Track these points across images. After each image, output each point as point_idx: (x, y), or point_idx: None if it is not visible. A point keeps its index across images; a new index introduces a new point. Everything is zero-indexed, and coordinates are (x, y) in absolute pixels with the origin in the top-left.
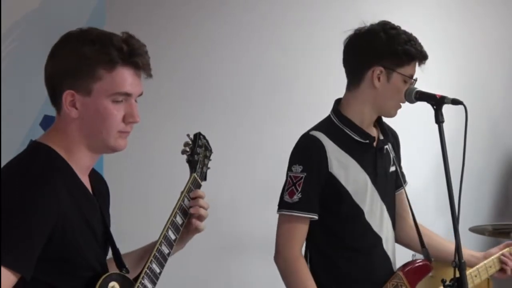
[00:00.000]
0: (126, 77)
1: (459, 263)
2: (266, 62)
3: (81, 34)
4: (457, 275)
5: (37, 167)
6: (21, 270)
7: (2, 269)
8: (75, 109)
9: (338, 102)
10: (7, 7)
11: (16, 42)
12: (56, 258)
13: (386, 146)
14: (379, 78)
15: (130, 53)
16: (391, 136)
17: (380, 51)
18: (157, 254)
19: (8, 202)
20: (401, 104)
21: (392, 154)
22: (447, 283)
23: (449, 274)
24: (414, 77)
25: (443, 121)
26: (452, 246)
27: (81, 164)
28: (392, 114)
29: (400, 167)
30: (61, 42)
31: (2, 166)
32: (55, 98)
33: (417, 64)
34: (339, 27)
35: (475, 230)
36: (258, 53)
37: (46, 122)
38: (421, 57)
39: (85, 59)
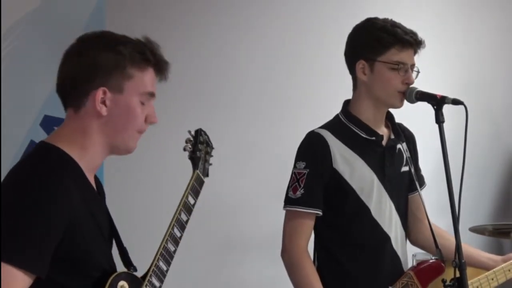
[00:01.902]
0: (153, 78)
1: (459, 263)
2: (273, 62)
3: (106, 35)
4: (457, 275)
5: (50, 169)
6: (37, 272)
7: (18, 271)
8: (105, 107)
9: (347, 103)
10: (8, 6)
11: (16, 42)
12: (67, 258)
13: (399, 146)
14: (364, 71)
15: (159, 56)
16: (407, 137)
17: (358, 45)
18: (163, 252)
19: (22, 204)
20: (401, 91)
21: (406, 155)
22: (448, 283)
23: (451, 274)
24: (405, 63)
25: (443, 121)
26: (467, 248)
27: (91, 163)
28: (395, 105)
29: (418, 169)
30: (84, 42)
31: (2, 166)
32: (75, 97)
33: (405, 49)
34: (350, 25)
35: (475, 230)
36: (263, 52)
37: (47, 122)
38: (399, 41)
39: (121, 57)
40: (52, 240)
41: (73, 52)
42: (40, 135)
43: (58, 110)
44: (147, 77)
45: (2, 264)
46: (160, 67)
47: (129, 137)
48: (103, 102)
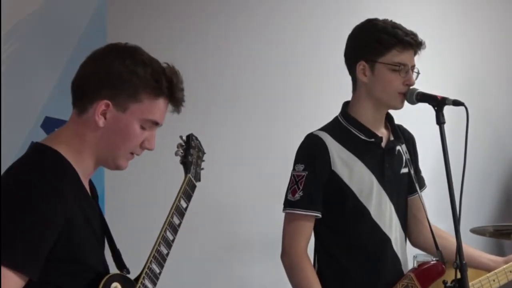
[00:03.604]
0: (162, 108)
1: (460, 264)
2: (272, 61)
3: (133, 51)
4: (458, 276)
5: (47, 171)
6: (30, 274)
7: (10, 273)
8: (104, 119)
9: (346, 104)
10: (8, 8)
11: (17, 43)
12: (61, 259)
13: (398, 148)
14: (364, 73)
15: (176, 89)
16: (406, 139)
17: (358, 46)
18: (156, 254)
19: (18, 206)
20: (402, 92)
21: (405, 156)
22: (448, 284)
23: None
24: (406, 64)
25: (444, 122)
26: (468, 249)
27: (86, 169)
28: (395, 106)
29: (418, 171)
30: (109, 51)
31: (2, 167)
32: (83, 99)
33: (406, 50)
34: (350, 26)
35: (476, 231)
36: (263, 52)
37: (47, 123)
38: (400, 42)
39: (136, 79)
40: (46, 242)
41: (97, 56)
42: (41, 137)
43: (59, 111)
44: (157, 106)
45: None
46: (174, 101)
47: (120, 156)
48: (104, 115)
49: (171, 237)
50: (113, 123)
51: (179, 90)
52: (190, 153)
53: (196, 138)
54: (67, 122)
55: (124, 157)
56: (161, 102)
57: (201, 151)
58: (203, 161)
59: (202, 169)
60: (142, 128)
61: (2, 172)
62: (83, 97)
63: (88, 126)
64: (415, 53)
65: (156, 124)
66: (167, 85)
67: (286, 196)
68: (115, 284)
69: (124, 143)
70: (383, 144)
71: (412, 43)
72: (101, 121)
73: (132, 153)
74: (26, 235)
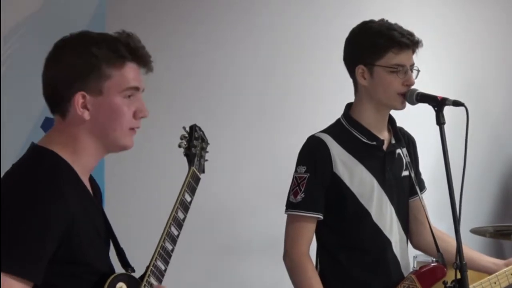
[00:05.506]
0: (133, 72)
1: (460, 265)
2: (274, 62)
3: (81, 37)
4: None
5: (46, 173)
6: (34, 280)
7: (15, 280)
8: (87, 111)
9: (349, 106)
10: (8, 9)
11: (17, 44)
12: (65, 261)
13: (399, 151)
14: (364, 76)
15: (136, 49)
16: (407, 142)
17: (355, 50)
18: (161, 251)
19: (19, 211)
20: (401, 93)
21: (405, 159)
22: (448, 284)
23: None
24: (404, 65)
25: (444, 123)
26: (469, 252)
27: (85, 166)
28: (396, 107)
29: (418, 173)
30: (60, 48)
31: (2, 169)
32: (60, 104)
33: (403, 51)
34: (350, 26)
35: (476, 231)
36: (266, 53)
37: (48, 124)
38: (397, 44)
39: (95, 59)
40: (49, 247)
41: (51, 58)
42: (41, 137)
43: None
44: (128, 73)
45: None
46: (140, 60)
47: (120, 135)
48: (85, 107)
49: (175, 233)
50: (96, 109)
51: (140, 48)
52: (194, 144)
53: (200, 129)
54: (54, 127)
55: (125, 135)
56: (129, 67)
57: (204, 142)
58: (207, 152)
59: (206, 160)
60: (126, 97)
61: (2, 173)
62: (59, 101)
63: (76, 124)
64: (413, 52)
65: (137, 89)
66: (126, 49)
67: (288, 197)
68: (120, 284)
69: (116, 122)
70: (384, 147)
71: (409, 43)
72: (85, 114)
73: (131, 129)
74: (27, 240)
